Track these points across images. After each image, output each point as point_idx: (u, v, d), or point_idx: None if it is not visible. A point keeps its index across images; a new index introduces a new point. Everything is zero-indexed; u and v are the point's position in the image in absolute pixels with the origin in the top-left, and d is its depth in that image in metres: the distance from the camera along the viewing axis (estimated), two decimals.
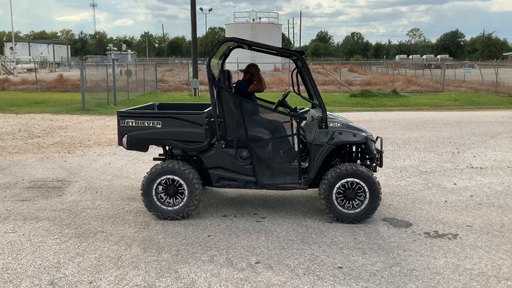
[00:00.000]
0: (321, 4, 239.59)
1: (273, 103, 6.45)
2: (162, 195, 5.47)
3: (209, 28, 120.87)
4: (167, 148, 6.04)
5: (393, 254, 4.56)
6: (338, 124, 5.46)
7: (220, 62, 6.09)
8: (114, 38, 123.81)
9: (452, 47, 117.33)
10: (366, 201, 5.30)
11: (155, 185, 5.43)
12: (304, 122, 5.66)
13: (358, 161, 5.91)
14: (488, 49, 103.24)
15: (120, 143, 5.49)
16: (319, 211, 5.84)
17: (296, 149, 5.58)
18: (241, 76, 6.49)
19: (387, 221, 5.54)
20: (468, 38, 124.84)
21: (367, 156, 5.68)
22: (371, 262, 4.39)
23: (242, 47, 6.15)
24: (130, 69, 25.00)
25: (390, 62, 53.08)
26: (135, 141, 5.42)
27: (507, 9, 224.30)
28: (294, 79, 6.48)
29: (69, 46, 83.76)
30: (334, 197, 5.32)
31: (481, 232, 5.17)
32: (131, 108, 5.95)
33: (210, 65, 5.39)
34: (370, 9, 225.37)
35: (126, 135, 5.41)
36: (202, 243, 4.84)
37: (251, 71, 6.12)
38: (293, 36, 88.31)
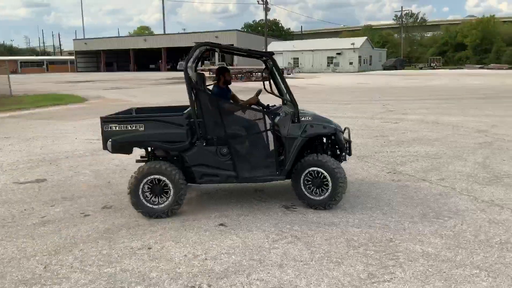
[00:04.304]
0: None
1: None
2: (148, 194, 5.51)
3: None
4: (149, 149, 6.01)
5: None
6: (309, 118, 5.79)
7: (193, 65, 6.16)
8: None
9: None
10: (329, 189, 5.61)
11: (142, 184, 5.46)
12: (277, 118, 5.80)
13: (329, 152, 6.22)
14: None
15: (104, 147, 5.52)
16: None
17: (272, 143, 5.74)
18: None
19: None
20: None
21: (337, 146, 6.08)
22: None
23: (215, 51, 6.34)
24: None
25: None
26: (119, 145, 5.46)
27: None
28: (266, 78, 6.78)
29: None
30: (302, 185, 5.68)
31: None
32: (113, 113, 6.05)
33: (187, 69, 5.52)
34: None
35: (110, 140, 5.40)
36: None
37: (225, 75, 6.26)
38: None
